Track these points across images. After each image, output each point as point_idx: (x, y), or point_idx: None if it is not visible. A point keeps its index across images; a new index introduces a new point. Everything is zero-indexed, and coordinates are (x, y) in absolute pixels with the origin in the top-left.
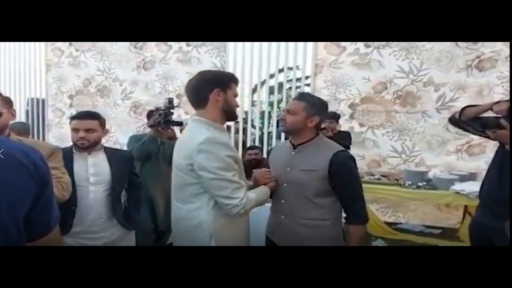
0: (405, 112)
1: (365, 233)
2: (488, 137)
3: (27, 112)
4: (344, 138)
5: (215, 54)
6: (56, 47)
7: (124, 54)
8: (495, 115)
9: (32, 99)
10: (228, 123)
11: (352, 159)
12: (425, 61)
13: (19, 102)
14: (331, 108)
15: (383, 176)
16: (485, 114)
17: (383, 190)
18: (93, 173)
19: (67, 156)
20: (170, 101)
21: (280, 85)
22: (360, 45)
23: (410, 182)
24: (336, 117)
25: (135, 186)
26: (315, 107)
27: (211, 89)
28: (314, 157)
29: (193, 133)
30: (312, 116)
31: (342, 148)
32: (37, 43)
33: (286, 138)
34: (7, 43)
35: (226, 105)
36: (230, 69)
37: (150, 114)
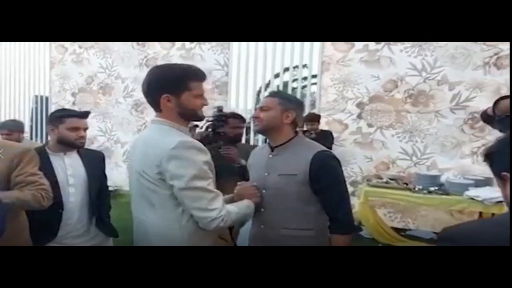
0: (417, 112)
1: (351, 243)
2: None
3: (32, 109)
4: (326, 138)
5: (219, 51)
6: (60, 44)
7: (126, 51)
8: None
9: (36, 96)
10: None
11: (335, 159)
12: (439, 58)
13: (23, 100)
14: (339, 107)
15: (391, 179)
16: None
17: (392, 194)
18: (71, 174)
19: (43, 156)
20: (220, 109)
21: (285, 84)
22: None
23: (421, 187)
24: (317, 118)
25: (105, 188)
26: (291, 102)
27: (158, 94)
28: (292, 159)
29: (160, 137)
30: (288, 111)
31: (323, 148)
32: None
33: None
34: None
35: (182, 109)
36: (233, 67)
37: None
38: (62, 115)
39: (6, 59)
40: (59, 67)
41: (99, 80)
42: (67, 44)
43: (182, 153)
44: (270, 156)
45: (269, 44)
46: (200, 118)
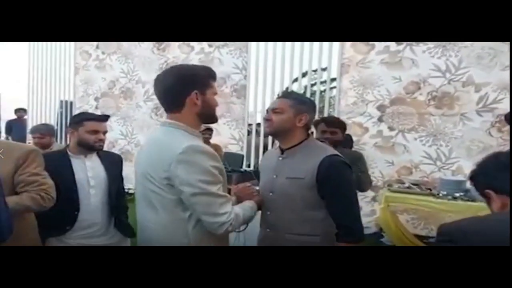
0: (441, 115)
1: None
2: None
3: (59, 114)
4: (345, 142)
5: (237, 55)
6: (84, 51)
7: (147, 56)
8: None
9: (62, 101)
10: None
11: (345, 164)
12: (464, 58)
13: (49, 105)
14: (359, 110)
15: (414, 184)
16: None
17: (414, 200)
18: (92, 175)
19: (63, 159)
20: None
21: (304, 87)
22: (391, 42)
23: (445, 192)
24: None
25: (123, 190)
26: (304, 104)
27: (188, 91)
28: (301, 163)
29: (169, 141)
30: (301, 114)
31: (334, 152)
32: (67, 46)
33: None
34: (39, 47)
35: (205, 107)
36: (252, 70)
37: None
38: (82, 118)
39: (33, 65)
40: (83, 73)
41: (121, 85)
42: (91, 50)
43: (191, 158)
44: (280, 158)
45: (287, 47)
46: (216, 119)
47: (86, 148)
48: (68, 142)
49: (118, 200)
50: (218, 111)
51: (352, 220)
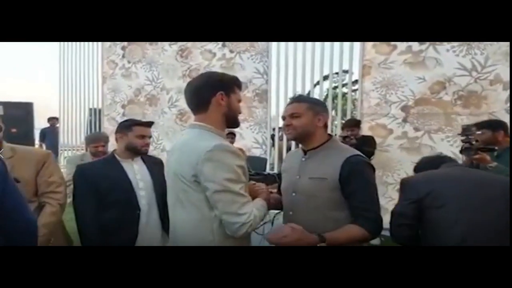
0: (468, 114)
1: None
2: None
3: (89, 121)
4: (367, 143)
5: (258, 60)
6: (111, 60)
7: (170, 64)
8: None
9: (90, 109)
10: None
11: (368, 164)
12: (491, 56)
13: (79, 113)
14: (383, 111)
15: None
16: None
17: None
18: (140, 178)
19: (114, 163)
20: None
21: (326, 91)
22: (412, 42)
23: None
24: (357, 124)
25: (165, 191)
26: (319, 105)
27: (214, 92)
28: (324, 163)
29: (197, 140)
30: (319, 115)
31: (357, 152)
32: (94, 56)
33: None
34: (69, 57)
35: (229, 110)
36: (273, 74)
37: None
38: (131, 124)
39: (64, 76)
40: (110, 81)
41: (146, 92)
42: (117, 59)
43: (218, 156)
44: (303, 159)
45: (308, 50)
46: (238, 124)
47: (134, 152)
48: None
49: (163, 201)
50: (241, 115)
51: (371, 216)
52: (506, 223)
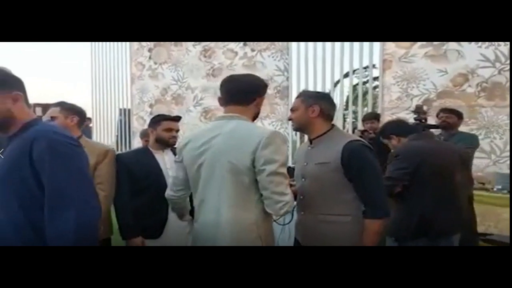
0: (493, 106)
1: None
2: None
3: (119, 121)
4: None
5: (279, 57)
6: (139, 62)
7: (195, 64)
8: None
9: (120, 109)
10: None
11: (366, 147)
12: None
13: (110, 113)
14: (404, 105)
15: None
16: None
17: None
18: (169, 168)
19: (149, 154)
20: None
21: (349, 85)
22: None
23: (500, 187)
24: (377, 117)
25: None
26: (312, 97)
27: (259, 94)
28: (327, 149)
29: (250, 129)
30: (311, 106)
31: (356, 138)
32: (123, 58)
33: None
34: (100, 61)
35: (258, 111)
36: (293, 72)
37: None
38: (159, 119)
39: (95, 78)
40: (138, 82)
41: (172, 92)
42: (144, 61)
43: (276, 141)
44: (309, 148)
45: (328, 45)
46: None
47: (163, 144)
48: (128, 147)
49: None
50: (263, 112)
51: (376, 198)
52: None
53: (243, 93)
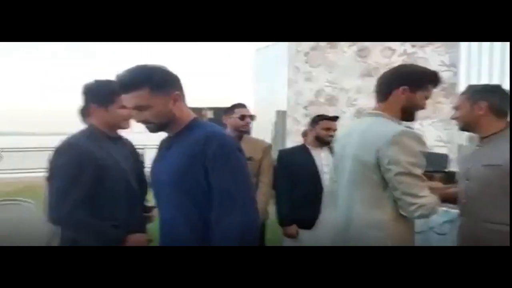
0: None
1: None
2: None
3: (274, 123)
4: None
5: (443, 51)
6: (295, 66)
7: (349, 65)
8: None
9: (276, 111)
10: None
11: None
12: None
13: (267, 115)
14: None
15: None
16: None
17: None
18: (325, 164)
19: (305, 151)
20: None
21: None
22: None
23: None
24: None
25: None
26: (479, 93)
27: (397, 85)
28: (497, 150)
29: (380, 126)
30: (477, 103)
31: None
32: (279, 63)
33: None
34: (259, 67)
35: (409, 104)
36: (462, 67)
37: None
38: (319, 118)
39: (257, 84)
40: (294, 86)
41: (326, 93)
42: (300, 65)
43: (403, 140)
44: (477, 147)
45: None
46: (413, 119)
47: (321, 142)
48: (281, 146)
49: None
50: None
51: None
52: None
53: (380, 88)
